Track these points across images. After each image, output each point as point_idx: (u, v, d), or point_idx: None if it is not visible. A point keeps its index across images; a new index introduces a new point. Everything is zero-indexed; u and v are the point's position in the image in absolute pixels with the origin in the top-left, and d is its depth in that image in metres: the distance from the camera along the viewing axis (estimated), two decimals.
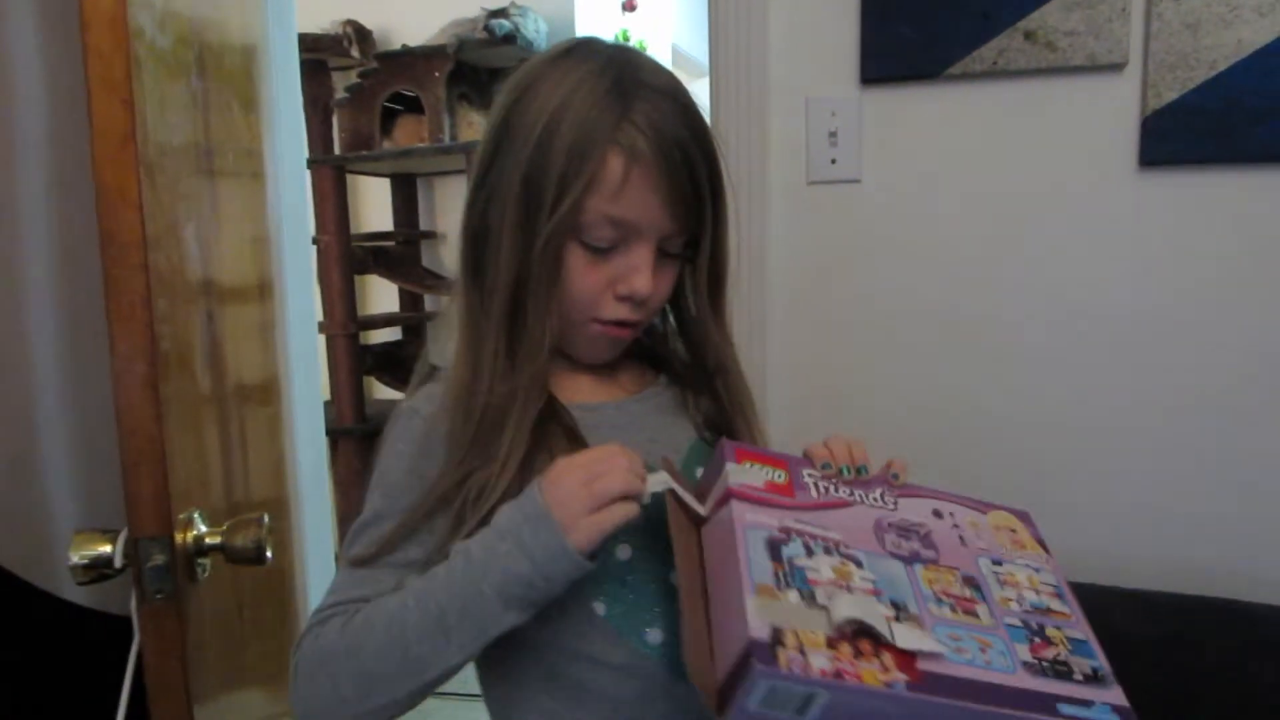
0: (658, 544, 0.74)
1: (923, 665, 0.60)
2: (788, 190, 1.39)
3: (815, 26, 1.34)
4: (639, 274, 0.75)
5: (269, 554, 0.99)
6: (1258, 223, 1.23)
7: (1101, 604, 1.21)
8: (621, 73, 0.74)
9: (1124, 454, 1.31)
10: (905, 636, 0.61)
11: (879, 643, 0.61)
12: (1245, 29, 1.18)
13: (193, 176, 1.09)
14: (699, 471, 0.81)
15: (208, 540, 0.97)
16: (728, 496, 0.70)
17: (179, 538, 0.94)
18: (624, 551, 0.76)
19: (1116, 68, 1.24)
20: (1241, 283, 1.25)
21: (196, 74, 1.12)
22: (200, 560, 0.97)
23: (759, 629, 0.59)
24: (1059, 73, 1.26)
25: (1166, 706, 0.73)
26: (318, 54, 2.94)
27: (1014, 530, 0.78)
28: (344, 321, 2.88)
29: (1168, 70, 1.21)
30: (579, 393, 0.82)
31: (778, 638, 0.59)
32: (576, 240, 0.75)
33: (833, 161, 1.37)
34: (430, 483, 0.75)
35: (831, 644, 0.59)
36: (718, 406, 0.86)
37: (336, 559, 0.86)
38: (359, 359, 2.96)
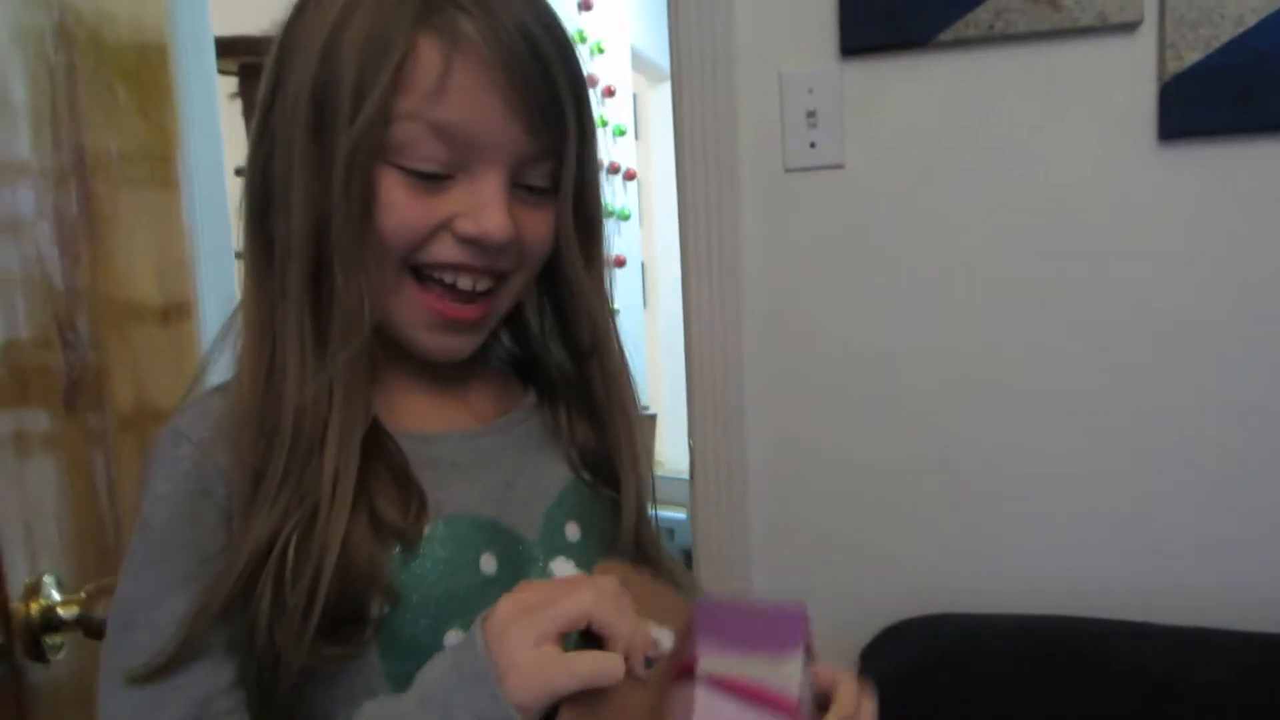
0: None
1: None
2: (762, 179, 1.23)
3: None
4: (489, 209, 0.56)
5: None
6: None
7: (1166, 649, 1.05)
8: None
9: (1149, 467, 1.16)
10: None
11: None
12: None
13: (50, 172, 0.91)
14: (569, 528, 0.63)
15: (62, 611, 0.79)
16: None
17: (21, 610, 0.76)
18: (454, 639, 0.57)
19: (1130, 27, 1.10)
20: (1278, 271, 1.10)
21: (57, 55, 0.94)
22: (52, 637, 0.79)
23: None
24: (1065, 35, 1.11)
25: None
26: (257, 57, 2.76)
27: None
28: None
29: (1189, 28, 1.07)
30: (413, 418, 0.62)
31: None
32: (392, 165, 0.55)
33: (812, 145, 1.21)
34: (212, 530, 0.55)
35: None
36: (590, 406, 0.66)
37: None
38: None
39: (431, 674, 0.50)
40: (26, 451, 0.81)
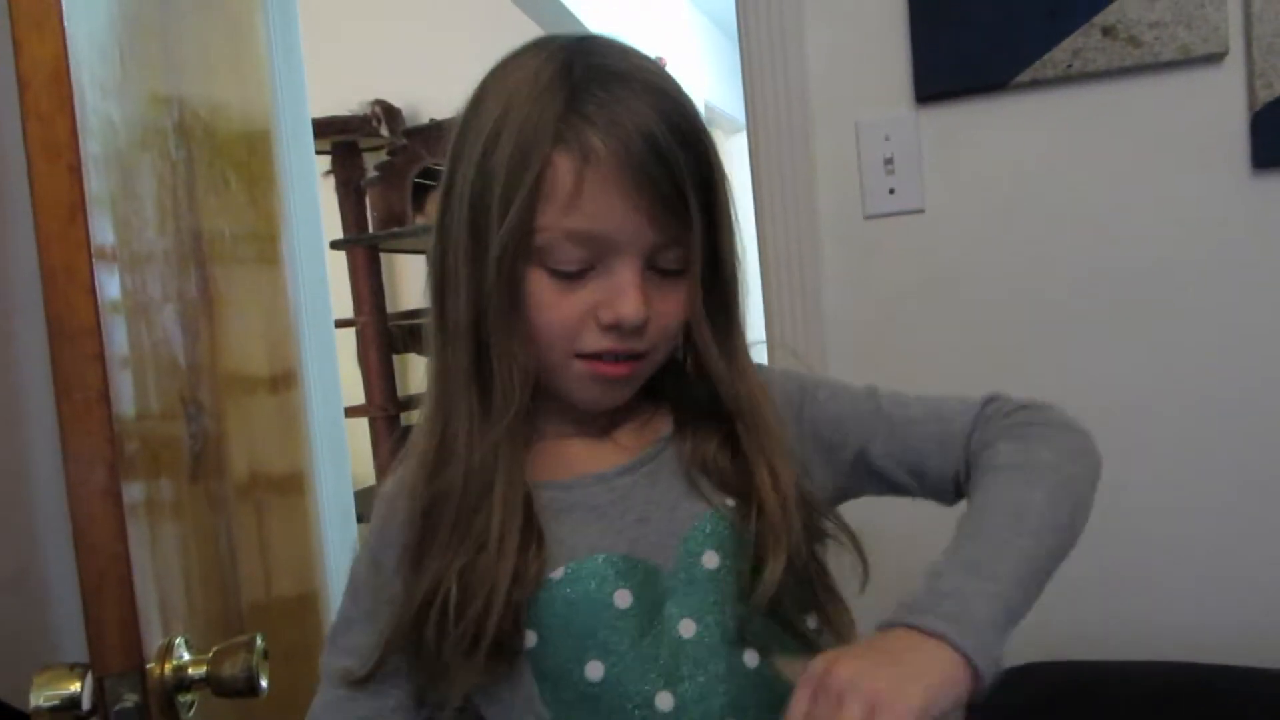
0: (640, 658, 0.63)
1: None
2: (842, 227, 1.24)
3: (859, 41, 1.20)
4: (624, 296, 0.62)
5: (263, 683, 0.84)
6: None
7: None
8: (571, 61, 0.62)
9: (1254, 503, 1.11)
10: None
11: None
12: None
13: (173, 258, 0.98)
14: (707, 556, 0.65)
15: (191, 671, 0.83)
16: None
17: (156, 670, 0.80)
18: (595, 670, 0.63)
19: (1215, 59, 1.08)
20: None
21: (178, 151, 1.02)
22: (184, 696, 0.83)
23: None
24: (1147, 70, 1.10)
25: None
26: (348, 135, 2.91)
27: None
28: (383, 403, 2.78)
29: (1277, 56, 1.05)
30: (559, 464, 0.70)
31: None
32: (539, 266, 0.62)
33: (890, 191, 1.22)
34: (389, 577, 0.68)
35: None
36: (733, 452, 0.68)
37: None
38: (401, 440, 2.85)
39: None
40: (157, 520, 0.86)
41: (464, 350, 0.65)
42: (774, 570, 0.63)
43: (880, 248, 1.23)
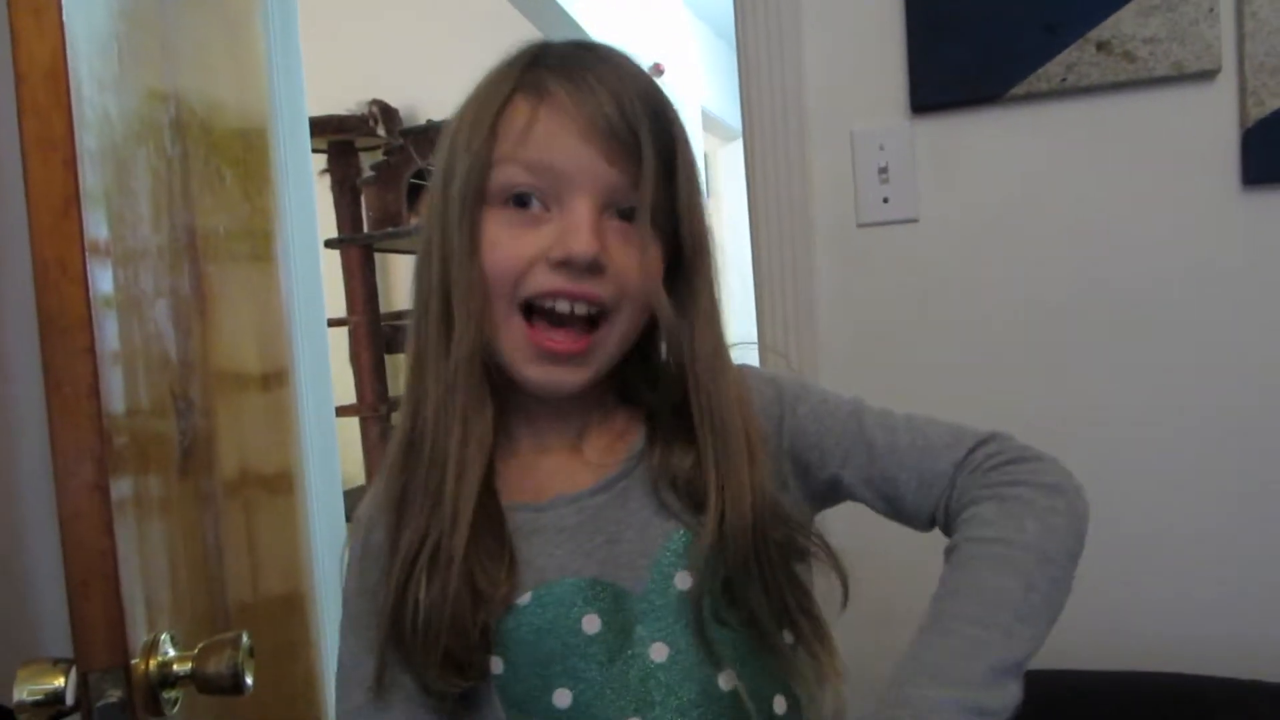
0: (609, 685, 0.62)
1: None
2: (835, 235, 1.24)
3: (856, 50, 1.20)
4: (577, 232, 0.61)
5: (248, 681, 0.84)
6: None
7: None
8: (543, 42, 0.65)
9: (1241, 515, 1.12)
10: None
11: None
12: None
13: (166, 254, 0.98)
14: (679, 577, 0.63)
15: (176, 668, 0.83)
16: None
17: (140, 666, 0.80)
18: (563, 698, 0.62)
19: (1207, 75, 1.09)
20: None
21: (174, 147, 1.02)
22: (169, 692, 0.83)
23: None
24: (1140, 85, 1.11)
25: None
26: (345, 135, 2.91)
27: None
28: (374, 402, 2.78)
29: (1268, 74, 1.06)
30: (534, 483, 0.68)
31: None
32: (496, 206, 0.63)
33: (885, 200, 1.22)
34: (377, 592, 0.65)
35: None
36: (693, 455, 0.65)
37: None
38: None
39: None
40: (145, 515, 0.86)
41: (436, 307, 0.64)
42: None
43: (874, 256, 1.24)
